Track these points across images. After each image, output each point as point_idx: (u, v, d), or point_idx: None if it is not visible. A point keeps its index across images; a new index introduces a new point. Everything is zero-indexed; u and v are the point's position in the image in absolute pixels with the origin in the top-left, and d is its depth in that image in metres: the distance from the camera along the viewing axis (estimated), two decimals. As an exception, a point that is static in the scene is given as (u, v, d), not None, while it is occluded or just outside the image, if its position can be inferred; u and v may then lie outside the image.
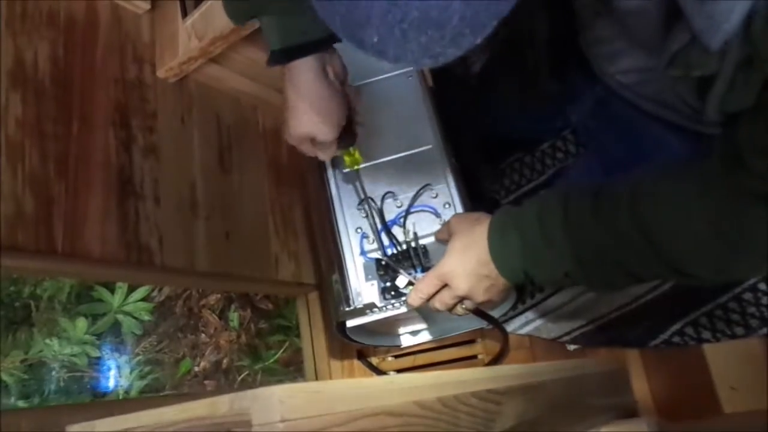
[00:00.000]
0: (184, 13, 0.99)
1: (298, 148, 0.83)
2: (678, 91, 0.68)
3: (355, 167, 0.89)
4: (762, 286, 0.89)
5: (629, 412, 0.97)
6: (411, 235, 0.86)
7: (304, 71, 0.75)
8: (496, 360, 0.90)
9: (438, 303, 0.77)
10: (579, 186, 0.68)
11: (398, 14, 0.36)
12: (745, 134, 0.49)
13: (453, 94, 1.13)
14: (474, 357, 1.18)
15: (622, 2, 0.61)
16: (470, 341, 1.18)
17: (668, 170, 0.62)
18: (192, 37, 0.97)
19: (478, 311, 0.79)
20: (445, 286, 0.76)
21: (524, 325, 1.04)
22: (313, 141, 0.80)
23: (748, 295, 0.90)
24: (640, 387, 1.08)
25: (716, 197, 0.56)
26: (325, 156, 0.84)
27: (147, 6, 1.03)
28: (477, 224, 0.74)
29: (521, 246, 0.69)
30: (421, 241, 0.85)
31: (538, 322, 1.03)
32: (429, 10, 0.36)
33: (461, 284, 0.73)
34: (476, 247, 0.72)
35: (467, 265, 0.73)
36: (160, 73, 1.02)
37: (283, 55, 0.74)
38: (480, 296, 0.74)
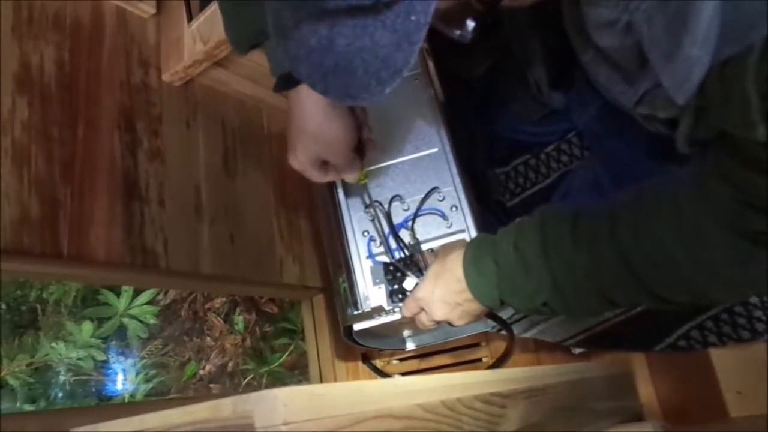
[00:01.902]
0: (189, 17, 0.99)
1: (305, 174, 0.80)
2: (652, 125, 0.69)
3: (362, 181, 0.88)
4: (768, 289, 0.89)
5: (635, 416, 0.97)
6: (418, 238, 0.86)
7: (311, 93, 0.73)
8: (500, 360, 0.90)
9: (420, 324, 0.78)
10: (554, 213, 0.68)
11: (317, 59, 0.41)
12: (710, 159, 0.52)
13: (458, 98, 1.13)
14: (478, 360, 1.18)
15: (600, 40, 0.62)
16: (475, 344, 1.18)
17: (647, 193, 0.62)
18: (197, 41, 0.97)
19: (489, 313, 0.79)
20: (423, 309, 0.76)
21: (529, 328, 1.04)
22: (325, 165, 0.79)
23: (754, 299, 0.90)
24: (646, 391, 1.07)
25: (692, 222, 0.56)
26: (350, 178, 0.82)
27: (152, 10, 1.03)
28: (452, 252, 0.74)
29: (497, 276, 0.68)
30: (429, 244, 0.85)
31: (543, 325, 1.03)
32: (338, 60, 0.40)
33: (436, 311, 0.74)
34: (448, 275, 0.72)
35: (438, 293, 0.73)
36: (166, 77, 1.03)
37: (290, 80, 0.72)
38: (456, 321, 0.75)
